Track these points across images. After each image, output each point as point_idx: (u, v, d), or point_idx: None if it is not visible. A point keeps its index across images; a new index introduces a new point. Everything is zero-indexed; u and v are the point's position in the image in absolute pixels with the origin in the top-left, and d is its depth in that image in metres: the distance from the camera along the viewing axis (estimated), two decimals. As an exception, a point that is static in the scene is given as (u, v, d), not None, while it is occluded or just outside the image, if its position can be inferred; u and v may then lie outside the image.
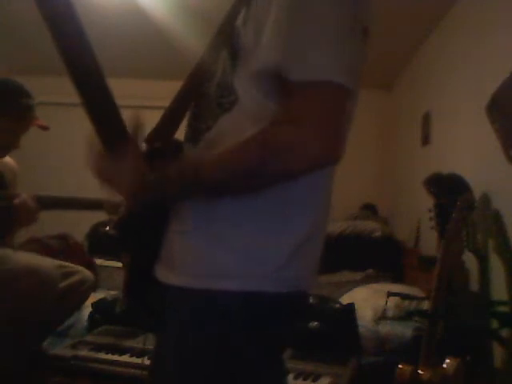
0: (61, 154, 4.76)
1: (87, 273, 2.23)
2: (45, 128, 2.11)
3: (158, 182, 0.83)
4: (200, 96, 0.93)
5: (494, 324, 1.94)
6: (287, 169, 0.75)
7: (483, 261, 2.09)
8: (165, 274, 0.88)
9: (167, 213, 0.90)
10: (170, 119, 0.96)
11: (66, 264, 2.19)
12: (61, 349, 2.07)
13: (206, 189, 0.80)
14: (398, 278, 3.31)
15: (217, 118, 0.86)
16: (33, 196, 2.00)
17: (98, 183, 0.88)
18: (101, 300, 2.39)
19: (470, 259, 2.13)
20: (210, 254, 0.82)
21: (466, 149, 2.73)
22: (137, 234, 0.94)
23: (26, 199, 1.97)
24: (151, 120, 0.94)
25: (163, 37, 3.25)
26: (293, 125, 0.73)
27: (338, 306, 2.21)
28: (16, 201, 1.95)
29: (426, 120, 3.53)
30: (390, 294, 2.30)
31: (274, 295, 0.82)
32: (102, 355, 2.01)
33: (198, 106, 0.94)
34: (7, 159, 2.14)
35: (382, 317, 2.34)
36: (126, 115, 0.86)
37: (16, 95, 2.00)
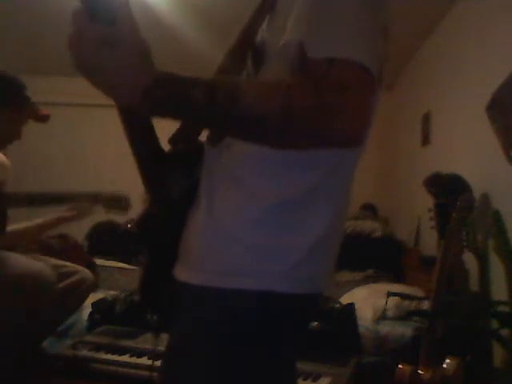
0: (60, 153, 4.76)
1: (87, 273, 2.23)
2: (45, 117, 2.12)
3: (176, 78, 0.69)
4: None
5: (494, 324, 1.94)
6: (320, 127, 0.70)
7: (483, 261, 2.09)
8: (180, 272, 0.87)
9: (187, 211, 0.89)
10: None
11: (66, 264, 2.19)
12: (61, 349, 2.07)
13: (238, 113, 0.70)
14: (398, 278, 3.32)
15: None
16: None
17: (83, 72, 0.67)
18: (101, 300, 2.39)
19: (470, 259, 2.13)
20: (224, 252, 0.82)
21: (466, 149, 2.73)
22: (158, 232, 0.93)
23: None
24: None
25: (163, 34, 3.25)
26: (336, 91, 0.69)
27: (338, 306, 2.21)
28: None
29: (426, 120, 3.53)
30: (390, 294, 2.30)
31: (288, 295, 0.81)
32: (102, 355, 2.00)
33: None
34: None
35: (381, 317, 2.34)
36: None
37: (15, 86, 2.01)
